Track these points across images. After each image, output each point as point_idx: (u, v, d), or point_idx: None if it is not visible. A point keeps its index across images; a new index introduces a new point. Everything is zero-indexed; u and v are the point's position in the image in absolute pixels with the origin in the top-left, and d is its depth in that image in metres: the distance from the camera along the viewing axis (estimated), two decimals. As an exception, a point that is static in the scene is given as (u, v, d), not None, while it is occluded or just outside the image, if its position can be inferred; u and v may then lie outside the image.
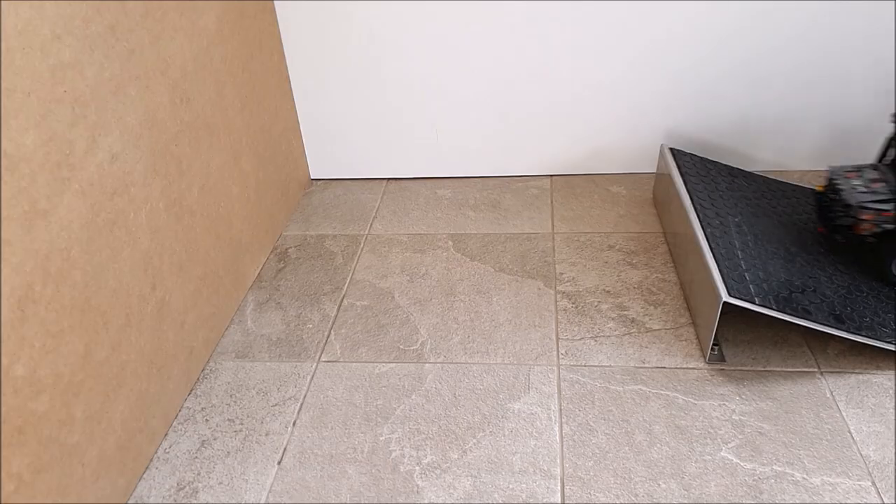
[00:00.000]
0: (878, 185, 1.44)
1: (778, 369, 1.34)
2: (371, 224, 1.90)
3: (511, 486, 1.16)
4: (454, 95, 1.94)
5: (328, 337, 1.52)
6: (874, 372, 1.31)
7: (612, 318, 1.50)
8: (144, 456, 1.25)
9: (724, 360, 1.36)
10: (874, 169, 1.49)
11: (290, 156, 1.97)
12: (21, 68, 0.95)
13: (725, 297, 1.27)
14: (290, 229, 1.91)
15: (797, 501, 1.10)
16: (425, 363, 1.42)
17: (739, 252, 1.41)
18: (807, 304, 1.32)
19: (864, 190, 1.44)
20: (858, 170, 1.51)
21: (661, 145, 1.79)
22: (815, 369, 1.33)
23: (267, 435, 1.30)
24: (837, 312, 1.33)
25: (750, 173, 1.76)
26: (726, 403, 1.27)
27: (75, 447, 1.07)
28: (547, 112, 1.94)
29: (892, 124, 1.47)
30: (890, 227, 1.41)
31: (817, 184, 1.52)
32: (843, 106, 1.84)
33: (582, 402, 1.30)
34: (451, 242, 1.80)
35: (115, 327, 1.16)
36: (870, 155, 1.90)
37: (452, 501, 1.14)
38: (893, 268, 1.42)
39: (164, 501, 1.19)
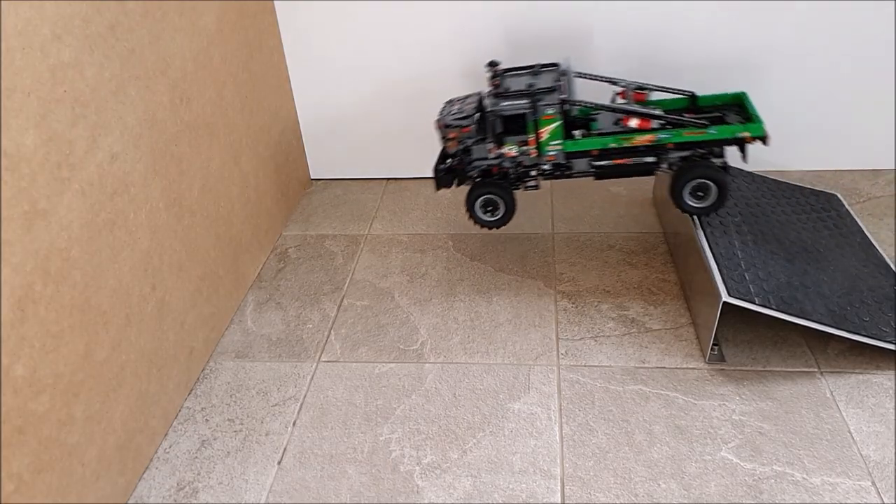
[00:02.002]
0: (468, 107, 1.52)
1: (778, 369, 1.34)
2: (371, 224, 1.90)
3: (511, 486, 1.16)
4: (454, 95, 1.94)
5: (328, 337, 1.52)
6: (874, 372, 1.31)
7: (612, 318, 1.50)
8: (144, 456, 1.25)
9: (724, 360, 1.36)
10: (479, 95, 1.57)
11: (290, 156, 1.97)
12: (21, 68, 0.95)
13: (725, 297, 1.27)
14: (290, 229, 1.91)
15: (797, 501, 1.10)
16: (425, 363, 1.42)
17: (739, 252, 1.41)
18: (807, 304, 1.32)
19: (455, 112, 1.52)
20: (466, 97, 1.59)
21: (661, 145, 1.79)
22: (815, 369, 1.33)
23: (267, 435, 1.30)
24: (837, 312, 1.32)
25: (750, 173, 1.76)
26: (726, 403, 1.27)
27: (75, 447, 1.07)
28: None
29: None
30: (470, 142, 1.50)
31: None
32: (844, 106, 1.84)
33: (582, 402, 1.30)
34: (451, 242, 1.80)
35: (115, 327, 1.16)
36: (870, 155, 1.90)
37: (452, 501, 1.14)
38: (686, 197, 1.46)
39: (164, 501, 1.19)
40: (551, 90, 1.43)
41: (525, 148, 1.48)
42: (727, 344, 1.40)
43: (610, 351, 1.41)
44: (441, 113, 1.55)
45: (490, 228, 1.59)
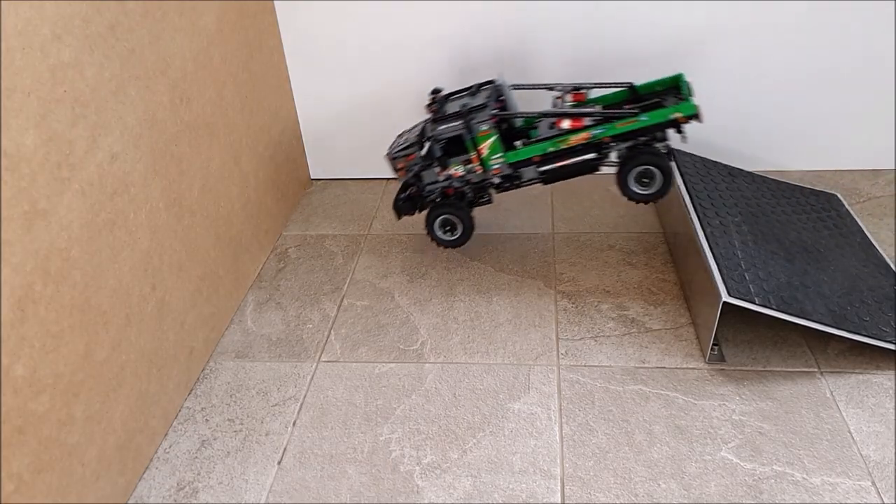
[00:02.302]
0: (413, 135, 1.61)
1: (778, 369, 1.34)
2: (371, 224, 1.90)
3: (511, 486, 1.16)
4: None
5: (328, 337, 1.52)
6: (874, 372, 1.31)
7: (612, 318, 1.50)
8: (144, 456, 1.25)
9: (724, 360, 1.36)
10: (423, 123, 1.64)
11: (290, 156, 1.97)
12: (21, 68, 0.95)
13: (725, 297, 1.27)
14: (290, 229, 1.91)
15: (797, 501, 1.10)
16: (425, 363, 1.42)
17: (739, 252, 1.41)
18: (807, 304, 1.32)
19: (401, 143, 1.61)
20: (413, 127, 1.66)
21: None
22: (815, 369, 1.33)
23: (267, 435, 1.30)
24: (837, 312, 1.32)
25: (750, 173, 1.76)
26: (726, 403, 1.27)
27: (75, 447, 1.07)
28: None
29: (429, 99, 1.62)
30: (417, 168, 1.57)
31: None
32: (844, 106, 1.84)
33: (582, 402, 1.30)
34: (451, 242, 1.79)
35: (115, 327, 1.16)
36: (870, 155, 1.90)
37: (452, 501, 1.14)
38: (632, 185, 1.49)
39: (164, 501, 1.19)
40: (482, 107, 1.49)
41: (470, 166, 1.54)
42: (727, 344, 1.40)
43: (610, 351, 1.41)
44: (390, 146, 1.63)
45: (451, 247, 1.66)
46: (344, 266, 1.74)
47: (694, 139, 1.93)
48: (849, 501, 1.09)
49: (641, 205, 1.81)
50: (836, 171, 1.93)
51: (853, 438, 1.19)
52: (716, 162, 1.76)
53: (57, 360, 1.02)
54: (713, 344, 1.36)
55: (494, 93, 1.55)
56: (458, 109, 1.52)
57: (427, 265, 1.72)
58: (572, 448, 1.22)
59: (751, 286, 1.32)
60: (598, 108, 1.53)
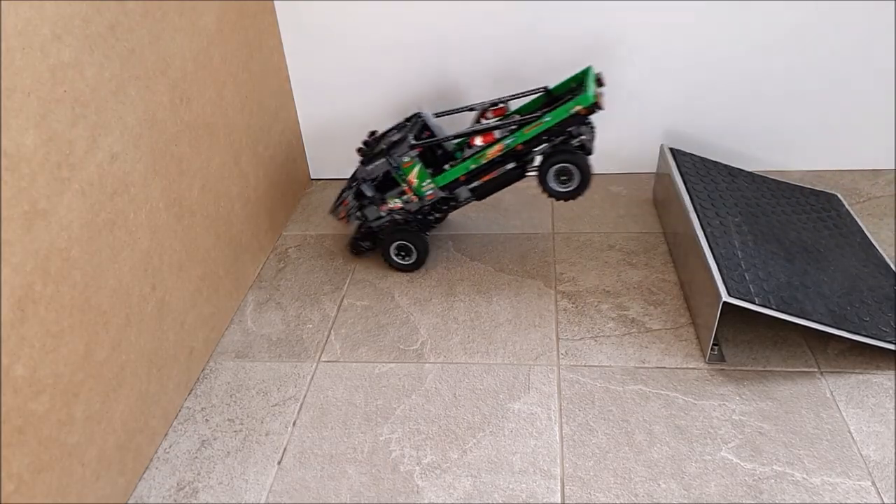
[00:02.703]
0: (346, 186, 1.70)
1: (778, 369, 1.34)
2: (371, 224, 1.90)
3: (511, 486, 1.16)
4: (451, 94, 1.94)
5: (328, 337, 1.52)
6: (874, 372, 1.31)
7: (612, 318, 1.50)
8: (144, 456, 1.25)
9: (724, 360, 1.36)
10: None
11: (290, 156, 1.97)
12: (21, 68, 0.95)
13: (725, 297, 1.27)
14: (290, 229, 1.91)
15: (797, 501, 1.10)
16: (425, 363, 1.42)
17: (739, 252, 1.41)
18: (807, 304, 1.32)
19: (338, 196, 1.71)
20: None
21: (661, 145, 1.79)
22: (815, 369, 1.33)
23: (267, 435, 1.30)
24: (837, 312, 1.32)
25: (750, 173, 1.76)
26: (726, 403, 1.27)
27: (75, 447, 1.07)
28: (547, 112, 1.94)
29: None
30: (354, 210, 1.67)
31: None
32: (844, 106, 1.84)
33: (582, 402, 1.30)
34: (451, 242, 1.80)
35: (115, 327, 1.16)
36: (870, 155, 1.90)
37: (452, 501, 1.14)
38: (552, 183, 1.53)
39: (164, 501, 1.19)
40: (401, 141, 1.56)
41: (405, 197, 1.62)
42: (727, 344, 1.40)
43: (610, 351, 1.41)
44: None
45: (408, 271, 1.70)
46: (344, 266, 1.74)
47: (694, 139, 1.93)
48: (849, 501, 1.09)
49: (648, 208, 1.81)
50: (836, 171, 1.93)
51: (853, 438, 1.19)
52: (716, 162, 1.76)
53: (57, 360, 1.02)
54: (713, 344, 1.36)
55: (420, 125, 1.63)
56: (382, 147, 1.61)
57: (427, 265, 1.72)
58: (572, 448, 1.22)
59: (751, 286, 1.32)
60: (513, 118, 1.58)
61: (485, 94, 1.92)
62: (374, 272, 1.71)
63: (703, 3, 1.74)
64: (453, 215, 1.89)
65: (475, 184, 1.59)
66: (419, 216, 1.67)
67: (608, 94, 1.88)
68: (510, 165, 1.55)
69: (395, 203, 1.63)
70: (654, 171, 1.97)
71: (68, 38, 1.05)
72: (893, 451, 1.17)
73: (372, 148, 1.67)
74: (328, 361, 1.45)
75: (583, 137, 1.51)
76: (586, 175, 1.50)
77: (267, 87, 1.81)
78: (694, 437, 1.21)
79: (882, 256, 1.53)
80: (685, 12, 1.75)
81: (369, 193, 1.63)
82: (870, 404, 1.25)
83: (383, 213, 1.65)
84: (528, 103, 1.66)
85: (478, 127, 1.57)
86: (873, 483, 1.12)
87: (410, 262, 1.68)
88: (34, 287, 0.98)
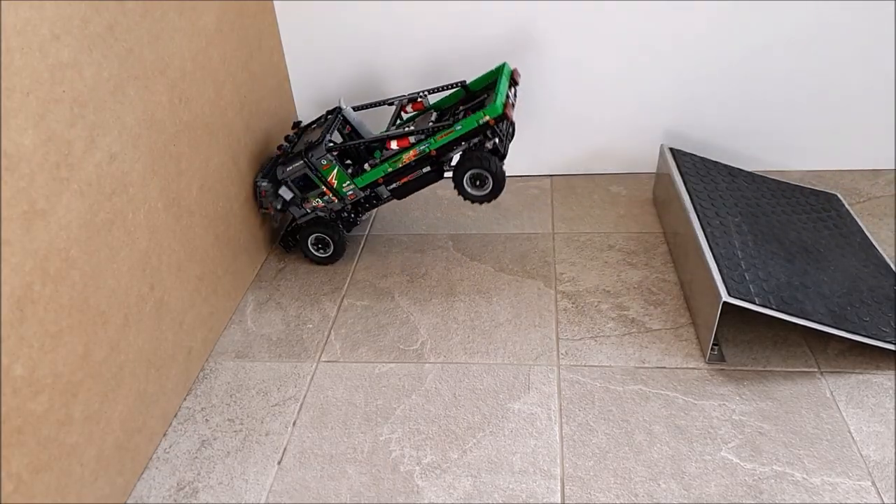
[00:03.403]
0: (268, 176, 1.68)
1: (778, 369, 1.34)
2: (371, 224, 1.90)
3: (511, 486, 1.16)
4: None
5: (328, 337, 1.52)
6: (874, 372, 1.31)
7: (612, 318, 1.50)
8: (143, 456, 1.25)
9: (724, 360, 1.36)
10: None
11: (289, 156, 1.97)
12: (20, 68, 0.95)
13: (725, 297, 1.27)
14: (289, 229, 1.91)
15: (797, 501, 1.10)
16: (425, 363, 1.42)
17: (739, 252, 1.41)
18: (807, 304, 1.32)
19: (262, 184, 1.67)
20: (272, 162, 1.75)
21: (661, 145, 1.79)
22: (815, 369, 1.33)
23: (267, 435, 1.29)
24: (837, 312, 1.32)
25: (750, 173, 1.76)
26: (726, 403, 1.27)
27: (74, 447, 1.06)
28: (547, 112, 1.94)
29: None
30: (271, 198, 1.65)
31: None
32: (844, 106, 1.83)
33: (582, 402, 1.30)
34: (451, 242, 1.79)
35: (114, 327, 1.16)
36: (870, 155, 1.90)
37: (452, 501, 1.14)
38: (467, 187, 1.55)
39: (164, 501, 1.19)
40: (318, 143, 1.56)
41: (326, 197, 1.62)
42: (727, 344, 1.40)
43: (610, 351, 1.41)
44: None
45: (324, 264, 1.73)
46: (344, 266, 1.74)
47: (694, 139, 1.93)
48: (849, 501, 1.09)
49: (648, 208, 1.81)
50: (836, 171, 1.93)
51: (853, 438, 1.19)
52: (716, 162, 1.76)
53: (56, 360, 1.02)
54: (713, 344, 1.36)
55: (340, 120, 1.65)
56: (301, 148, 1.61)
57: (427, 265, 1.71)
58: (572, 448, 1.21)
59: (751, 286, 1.32)
60: (429, 123, 1.59)
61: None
62: (374, 272, 1.71)
63: (703, 3, 1.73)
64: (453, 215, 1.89)
65: (393, 185, 1.61)
66: (343, 214, 1.69)
67: (608, 95, 1.89)
68: (426, 169, 1.57)
69: (318, 202, 1.64)
70: (654, 171, 1.97)
71: (67, 38, 1.05)
72: (893, 451, 1.16)
73: (293, 144, 1.68)
74: (328, 361, 1.45)
75: (496, 140, 1.51)
76: (499, 180, 1.52)
77: (266, 87, 1.81)
78: (694, 437, 1.21)
79: (882, 256, 1.53)
80: (686, 12, 1.75)
81: (287, 197, 1.63)
82: (870, 404, 1.25)
83: (308, 210, 1.67)
84: (446, 98, 1.68)
85: (392, 132, 1.58)
86: (873, 483, 1.12)
87: (327, 254, 1.70)
88: (33, 287, 0.98)
